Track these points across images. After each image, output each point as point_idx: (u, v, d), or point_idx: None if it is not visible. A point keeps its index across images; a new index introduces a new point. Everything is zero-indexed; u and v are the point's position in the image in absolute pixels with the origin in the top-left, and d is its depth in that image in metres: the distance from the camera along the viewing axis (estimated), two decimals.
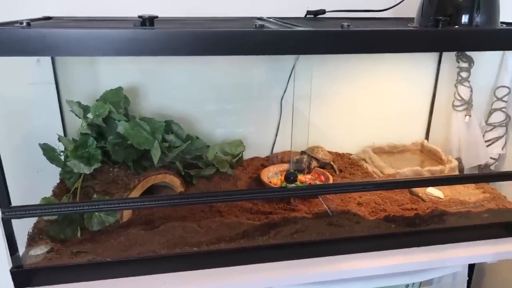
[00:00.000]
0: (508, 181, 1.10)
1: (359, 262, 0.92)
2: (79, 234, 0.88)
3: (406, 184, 1.04)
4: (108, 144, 0.94)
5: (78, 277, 0.83)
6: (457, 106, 1.26)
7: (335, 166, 1.20)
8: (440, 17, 0.81)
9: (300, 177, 1.10)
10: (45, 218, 0.88)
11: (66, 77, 1.09)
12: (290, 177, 0.91)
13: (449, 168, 1.16)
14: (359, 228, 0.95)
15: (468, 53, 1.23)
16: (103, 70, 1.11)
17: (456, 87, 1.26)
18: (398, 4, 1.07)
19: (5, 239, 0.78)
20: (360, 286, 0.95)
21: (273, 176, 1.14)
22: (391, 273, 0.95)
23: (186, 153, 1.06)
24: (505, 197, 1.07)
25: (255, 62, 1.18)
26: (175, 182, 1.02)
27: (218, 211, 0.97)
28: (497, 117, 1.28)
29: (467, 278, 1.10)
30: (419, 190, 1.07)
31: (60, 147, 0.98)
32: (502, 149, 1.29)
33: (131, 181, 0.94)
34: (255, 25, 0.73)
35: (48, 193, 1.01)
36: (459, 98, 1.25)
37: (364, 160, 1.25)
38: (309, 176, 1.12)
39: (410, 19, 0.97)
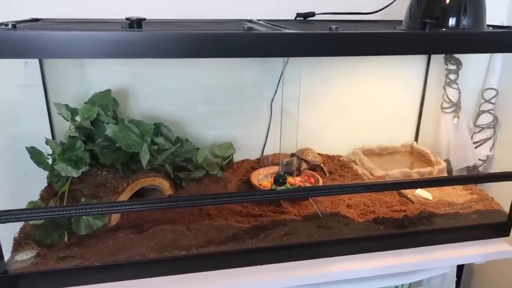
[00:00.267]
0: (496, 182, 1.11)
1: (349, 264, 0.92)
2: (66, 239, 0.87)
3: (395, 186, 1.04)
4: (96, 147, 0.93)
5: (65, 282, 0.82)
6: (445, 108, 1.27)
7: (325, 168, 1.20)
8: (427, 20, 0.81)
9: (290, 179, 1.10)
10: (32, 222, 0.87)
11: (55, 80, 1.08)
12: (279, 179, 0.91)
13: (438, 169, 1.17)
14: (349, 230, 0.95)
15: (456, 55, 1.24)
16: (92, 73, 1.10)
17: (444, 89, 1.27)
18: (387, 6, 1.08)
19: None
20: None
21: (263, 178, 1.14)
22: (381, 275, 0.95)
23: (176, 155, 1.05)
24: (493, 198, 1.08)
25: (246, 64, 1.18)
26: (165, 185, 1.01)
27: (208, 214, 0.96)
28: (485, 119, 1.29)
29: (456, 279, 1.11)
30: (408, 192, 1.08)
31: (48, 150, 0.97)
32: (490, 150, 1.30)
33: (119, 184, 0.93)
34: (243, 27, 0.73)
35: (36, 197, 0.99)
36: (447, 100, 1.26)
37: (354, 162, 1.25)
38: (299, 179, 1.12)
39: (399, 22, 0.97)
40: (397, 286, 1.04)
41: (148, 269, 0.86)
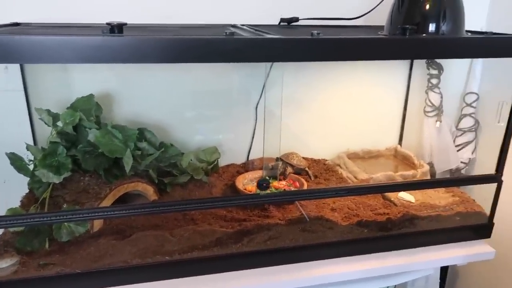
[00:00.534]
0: (478, 185, 1.13)
1: (333, 267, 0.93)
2: (47, 246, 0.86)
3: (378, 189, 1.05)
4: (78, 152, 0.92)
5: None
6: (428, 112, 1.29)
7: (309, 172, 1.21)
8: (407, 26, 0.83)
9: (275, 183, 1.10)
10: (12, 229, 0.86)
11: (36, 84, 1.06)
12: (262, 184, 0.91)
13: (421, 172, 1.18)
14: (333, 234, 0.95)
15: (438, 60, 1.26)
16: (75, 77, 1.09)
17: (427, 93, 1.29)
18: (369, 12, 1.09)
19: None
20: None
21: (248, 183, 1.14)
22: (365, 278, 0.96)
23: (160, 161, 1.05)
24: (474, 200, 1.09)
25: (231, 69, 1.18)
26: (148, 190, 1.01)
27: (192, 219, 0.96)
28: (467, 122, 1.32)
29: (439, 281, 1.12)
30: (391, 195, 1.09)
31: (29, 156, 0.95)
32: (472, 153, 1.32)
33: (102, 190, 0.92)
34: (225, 32, 0.73)
35: (17, 203, 0.98)
36: (430, 104, 1.28)
37: (339, 165, 1.26)
38: (283, 183, 1.12)
39: (382, 27, 0.99)
40: None
41: (131, 276, 0.85)
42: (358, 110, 1.31)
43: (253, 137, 1.25)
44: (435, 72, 1.26)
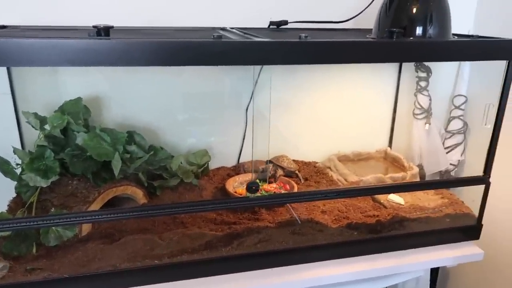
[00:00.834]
0: (466, 187, 1.14)
1: (323, 270, 0.93)
2: (34, 250, 0.85)
3: (367, 191, 1.05)
4: (66, 156, 0.91)
5: None
6: (417, 114, 1.30)
7: (300, 175, 1.21)
8: (395, 29, 0.83)
9: (265, 186, 1.10)
10: None
11: (24, 88, 1.05)
12: (252, 187, 0.91)
13: (411, 174, 1.19)
14: (323, 236, 0.95)
15: (426, 63, 1.27)
16: (63, 80, 1.08)
17: (415, 96, 1.30)
18: (357, 15, 1.10)
19: None
20: None
21: (238, 186, 1.14)
22: (355, 280, 0.96)
23: (150, 164, 1.04)
24: (463, 202, 1.10)
25: (221, 71, 1.18)
26: (138, 194, 1.00)
27: (182, 223, 0.96)
28: (456, 124, 1.33)
29: (430, 282, 1.13)
30: (381, 197, 1.09)
31: (16, 159, 0.94)
32: (461, 155, 1.33)
33: (90, 193, 0.92)
34: (213, 35, 0.73)
35: (4, 207, 0.96)
36: (419, 106, 1.29)
37: (330, 168, 1.26)
38: (274, 185, 1.12)
39: (370, 31, 0.99)
40: None
41: (120, 280, 0.84)
42: (348, 112, 1.32)
43: (243, 140, 1.25)
44: (423, 74, 1.27)
